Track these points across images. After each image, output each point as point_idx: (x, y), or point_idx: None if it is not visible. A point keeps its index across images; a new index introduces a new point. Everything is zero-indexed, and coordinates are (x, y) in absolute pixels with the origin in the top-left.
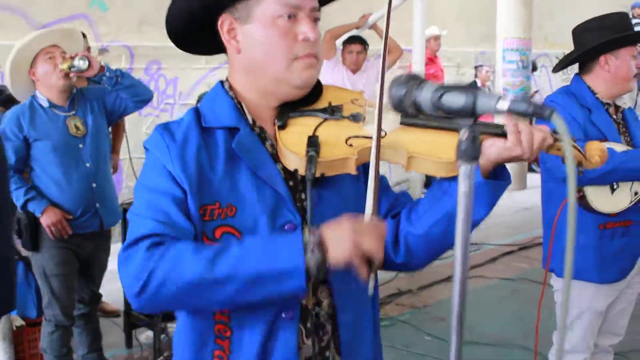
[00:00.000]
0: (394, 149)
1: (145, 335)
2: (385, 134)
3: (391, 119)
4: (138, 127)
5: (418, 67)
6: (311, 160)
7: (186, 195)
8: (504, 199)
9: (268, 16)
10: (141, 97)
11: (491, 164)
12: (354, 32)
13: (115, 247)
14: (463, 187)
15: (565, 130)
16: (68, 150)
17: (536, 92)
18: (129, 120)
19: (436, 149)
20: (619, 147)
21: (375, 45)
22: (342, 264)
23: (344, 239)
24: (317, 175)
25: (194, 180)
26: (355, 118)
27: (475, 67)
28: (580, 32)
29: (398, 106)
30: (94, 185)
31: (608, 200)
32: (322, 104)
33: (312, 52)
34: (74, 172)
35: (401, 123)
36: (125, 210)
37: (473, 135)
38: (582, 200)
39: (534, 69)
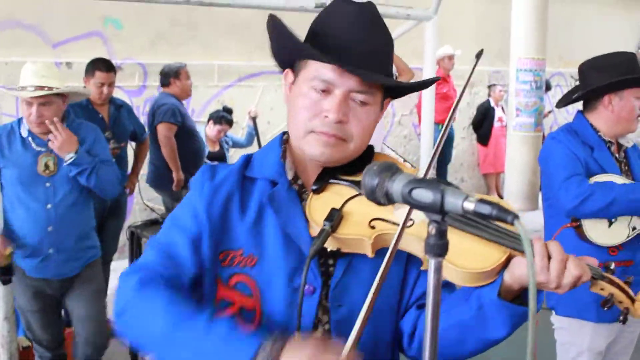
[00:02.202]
0: (419, 240)
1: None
2: (413, 223)
3: None
4: None
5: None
6: (320, 234)
7: (202, 235)
8: None
9: (305, 84)
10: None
11: (517, 284)
12: None
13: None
14: (432, 280)
15: (527, 239)
16: (33, 186)
17: (550, 112)
18: None
19: (461, 257)
20: (619, 180)
21: None
22: None
23: None
24: (334, 249)
25: (216, 223)
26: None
27: (489, 86)
28: (586, 69)
29: (370, 196)
30: (50, 229)
31: (605, 233)
32: None
33: (330, 132)
34: (32, 209)
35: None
36: (132, 233)
37: (440, 230)
38: (578, 230)
39: (548, 88)
